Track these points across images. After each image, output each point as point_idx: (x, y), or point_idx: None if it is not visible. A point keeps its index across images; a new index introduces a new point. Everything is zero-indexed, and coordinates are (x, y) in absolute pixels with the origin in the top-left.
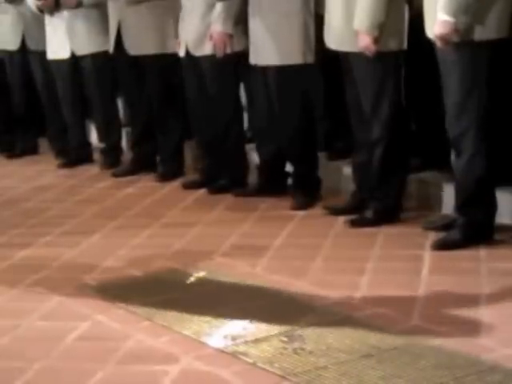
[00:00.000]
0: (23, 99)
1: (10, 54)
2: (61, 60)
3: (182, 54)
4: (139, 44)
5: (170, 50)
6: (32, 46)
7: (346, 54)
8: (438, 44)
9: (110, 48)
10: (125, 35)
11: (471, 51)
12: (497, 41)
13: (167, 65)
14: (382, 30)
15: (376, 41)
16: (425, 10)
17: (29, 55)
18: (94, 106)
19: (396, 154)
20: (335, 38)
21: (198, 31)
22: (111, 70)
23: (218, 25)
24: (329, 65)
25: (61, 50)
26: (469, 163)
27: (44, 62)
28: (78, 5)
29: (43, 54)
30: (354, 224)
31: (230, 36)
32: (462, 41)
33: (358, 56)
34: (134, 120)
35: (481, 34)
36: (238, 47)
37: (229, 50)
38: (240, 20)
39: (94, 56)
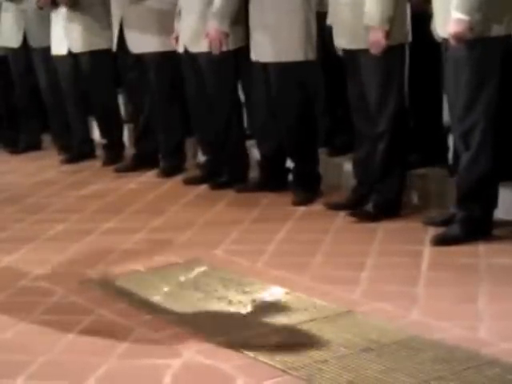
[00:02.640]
0: (26, 96)
1: (13, 51)
2: (61, 56)
3: (180, 50)
4: (141, 42)
5: (171, 48)
6: (34, 43)
7: (353, 51)
8: (452, 42)
9: (113, 46)
10: (127, 33)
11: (483, 47)
12: (507, 37)
13: (169, 62)
14: (392, 24)
15: (387, 35)
16: (435, 10)
17: (31, 52)
18: (94, 102)
19: (398, 148)
20: (344, 36)
21: (195, 28)
22: (110, 67)
23: (215, 22)
24: (329, 61)
25: (60, 47)
26: (475, 157)
27: (46, 58)
28: (73, 4)
29: (45, 50)
30: (354, 215)
31: (226, 34)
32: (475, 37)
33: (367, 51)
34: (136, 117)
35: (492, 30)
36: (234, 45)
37: (224, 48)
38: (238, 17)
39: (92, 53)
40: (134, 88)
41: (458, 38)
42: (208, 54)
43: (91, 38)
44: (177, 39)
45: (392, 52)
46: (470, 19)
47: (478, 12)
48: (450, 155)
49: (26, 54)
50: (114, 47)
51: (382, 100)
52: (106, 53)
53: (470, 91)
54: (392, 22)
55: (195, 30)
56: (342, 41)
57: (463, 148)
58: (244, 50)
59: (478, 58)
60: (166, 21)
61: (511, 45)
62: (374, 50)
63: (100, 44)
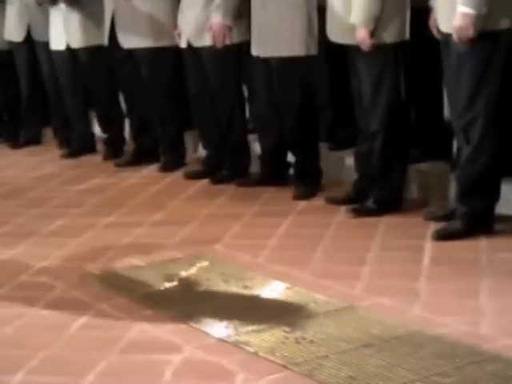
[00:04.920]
0: (30, 90)
1: (16, 45)
2: (60, 51)
3: (182, 45)
4: (132, 37)
5: (163, 44)
6: (37, 36)
7: (347, 47)
8: (455, 37)
9: (105, 40)
10: (118, 28)
11: (486, 41)
12: (510, 30)
13: (161, 58)
14: (377, 24)
15: (372, 34)
16: (437, 5)
17: (35, 46)
18: (94, 97)
19: (395, 145)
20: (336, 31)
21: (198, 22)
22: (109, 62)
23: (218, 16)
24: (333, 55)
25: (59, 42)
26: (474, 152)
27: (49, 52)
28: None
29: (49, 44)
30: (355, 212)
31: (229, 28)
32: (480, 31)
33: (358, 48)
34: (131, 111)
35: (496, 23)
36: (238, 38)
37: (227, 42)
38: (240, 11)
39: (89, 49)
40: (128, 83)
41: (463, 32)
42: (211, 48)
43: (90, 33)
44: (179, 35)
45: (385, 50)
46: (475, 13)
47: (484, 6)
48: (455, 149)
49: (30, 47)
50: (106, 42)
51: (374, 98)
52: (104, 48)
53: (471, 85)
54: (377, 21)
55: (198, 25)
56: (335, 35)
57: (464, 142)
58: (248, 43)
59: (480, 52)
60: (158, 16)
61: None
62: (363, 48)
63: (98, 39)
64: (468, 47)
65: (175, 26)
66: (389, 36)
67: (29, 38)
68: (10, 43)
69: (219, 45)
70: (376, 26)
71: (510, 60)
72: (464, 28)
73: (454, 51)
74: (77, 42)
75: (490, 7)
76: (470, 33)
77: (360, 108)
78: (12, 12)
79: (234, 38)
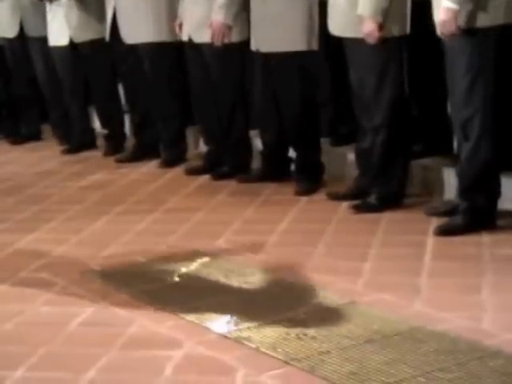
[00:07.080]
0: (25, 86)
1: (9, 41)
2: (61, 47)
3: (184, 38)
4: (134, 32)
5: (166, 39)
6: (30, 32)
7: (349, 40)
8: (439, 31)
9: (106, 36)
10: (120, 23)
11: (479, 37)
12: (504, 26)
13: (164, 53)
14: (385, 16)
15: (380, 27)
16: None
17: (28, 42)
18: (94, 92)
19: (398, 140)
20: (338, 24)
21: (199, 18)
22: (110, 57)
23: (219, 15)
24: (334, 50)
25: (60, 37)
26: (474, 148)
27: (43, 48)
28: None
29: (42, 40)
30: (357, 209)
31: (229, 27)
32: (470, 27)
33: (361, 42)
34: (133, 107)
35: (488, 19)
36: (238, 38)
37: (226, 41)
38: (242, 9)
39: (93, 43)
40: (130, 78)
41: (446, 27)
42: (212, 45)
43: (93, 27)
44: (180, 26)
45: (388, 44)
46: (459, 8)
47: (470, 2)
48: (455, 144)
49: (23, 43)
50: (107, 37)
51: (376, 93)
52: (105, 41)
53: (467, 81)
54: (386, 13)
55: (199, 20)
56: (337, 28)
57: (462, 139)
58: (248, 41)
59: (474, 48)
60: (160, 10)
61: (507, 34)
62: (369, 41)
63: (101, 32)
64: (459, 43)
65: (175, 17)
66: (394, 29)
67: (21, 34)
68: (3, 39)
69: (217, 43)
70: (384, 18)
71: (503, 56)
72: (447, 23)
73: (447, 46)
74: (81, 36)
75: (483, 3)
76: (453, 28)
77: (360, 103)
78: (4, 8)
79: (235, 37)
